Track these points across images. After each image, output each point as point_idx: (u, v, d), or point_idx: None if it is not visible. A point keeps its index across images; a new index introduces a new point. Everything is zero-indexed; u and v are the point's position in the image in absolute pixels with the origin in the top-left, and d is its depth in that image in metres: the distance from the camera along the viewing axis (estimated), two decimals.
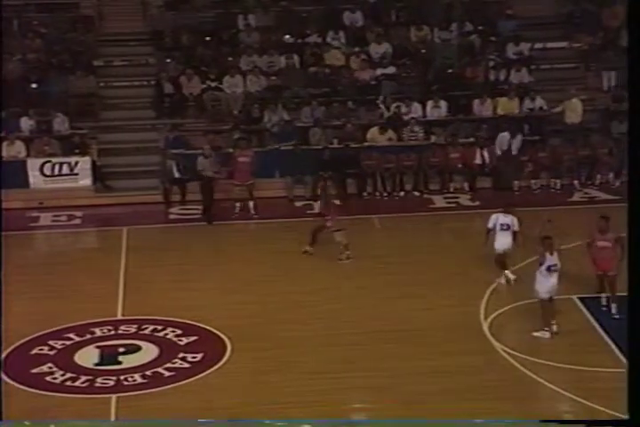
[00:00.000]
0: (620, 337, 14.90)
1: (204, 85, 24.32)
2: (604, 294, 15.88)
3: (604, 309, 15.72)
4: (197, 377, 14.11)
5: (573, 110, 23.08)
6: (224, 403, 13.33)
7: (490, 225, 16.89)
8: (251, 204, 21.35)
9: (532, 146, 22.94)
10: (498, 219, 16.83)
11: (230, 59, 24.97)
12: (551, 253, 15.02)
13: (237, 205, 21.40)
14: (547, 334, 14.90)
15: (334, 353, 14.83)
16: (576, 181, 22.51)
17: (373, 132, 23.08)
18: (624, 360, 14.36)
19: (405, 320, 16.26)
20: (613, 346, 14.82)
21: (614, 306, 15.51)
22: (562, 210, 21.19)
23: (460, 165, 22.73)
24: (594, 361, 14.40)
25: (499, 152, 22.75)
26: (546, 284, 14.89)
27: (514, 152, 22.56)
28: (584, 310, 16.11)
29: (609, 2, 25.27)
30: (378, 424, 12.94)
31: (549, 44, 24.95)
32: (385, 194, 22.70)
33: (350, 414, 13.50)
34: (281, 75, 24.66)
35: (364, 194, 22.72)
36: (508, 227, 16.79)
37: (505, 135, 22.85)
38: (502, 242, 16.84)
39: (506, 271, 17.03)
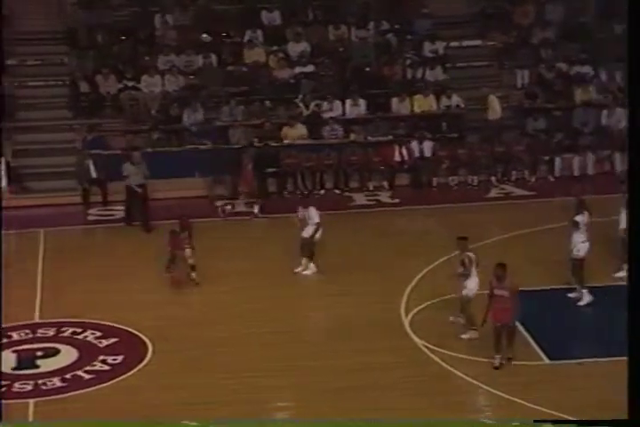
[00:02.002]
0: (537, 331, 15.17)
1: (121, 85, 24.05)
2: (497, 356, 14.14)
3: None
4: (118, 379, 13.94)
5: (492, 107, 23.38)
6: (145, 404, 13.19)
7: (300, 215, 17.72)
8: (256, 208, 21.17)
9: (450, 143, 23.17)
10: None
11: (147, 58, 24.73)
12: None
13: (228, 207, 21.09)
14: (475, 334, 14.88)
15: (255, 353, 14.79)
16: (493, 178, 22.80)
17: (285, 129, 23.09)
18: (541, 353, 14.63)
19: (326, 318, 16.32)
20: (531, 340, 15.03)
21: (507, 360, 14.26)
22: (479, 206, 21.46)
23: (379, 163, 22.85)
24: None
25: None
26: (470, 284, 14.92)
27: (426, 153, 22.73)
28: None
29: (521, 0, 25.63)
30: (376, 425, 12.84)
31: (464, 43, 25.23)
32: (305, 192, 22.71)
33: (272, 413, 13.46)
34: (199, 74, 24.51)
35: (285, 192, 22.70)
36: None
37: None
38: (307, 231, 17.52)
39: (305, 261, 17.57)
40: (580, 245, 15.87)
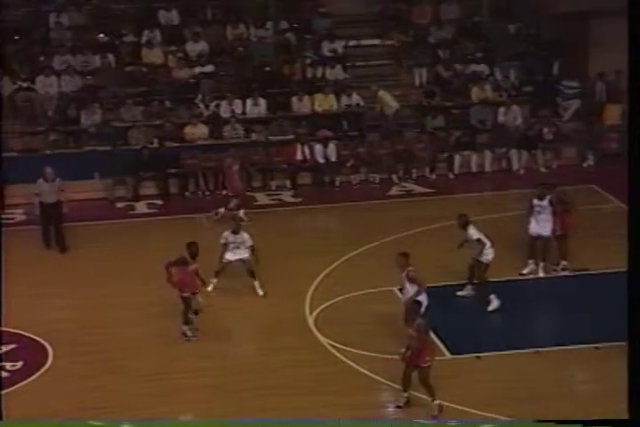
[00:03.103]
0: (440, 326, 15.40)
1: (16, 86, 23.58)
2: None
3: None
4: (18, 386, 13.71)
5: (385, 102, 23.66)
6: (49, 410, 13.01)
7: (223, 241, 16.67)
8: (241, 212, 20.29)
9: (351, 142, 23.36)
10: (228, 238, 16.66)
11: (42, 58, 24.30)
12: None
13: (221, 210, 20.41)
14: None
15: (161, 354, 14.72)
16: (394, 176, 23.05)
17: (185, 129, 22.99)
18: (444, 348, 14.88)
19: (232, 318, 16.32)
20: (433, 336, 15.24)
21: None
22: (381, 204, 21.69)
23: (281, 163, 22.91)
24: None
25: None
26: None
27: (328, 152, 22.86)
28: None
29: (418, 0, 25.98)
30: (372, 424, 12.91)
31: (363, 42, 25.42)
32: (207, 193, 22.64)
33: (183, 413, 13.41)
34: (97, 74, 24.19)
35: (187, 193, 22.60)
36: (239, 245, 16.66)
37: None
38: (235, 254, 16.72)
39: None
40: (489, 249, 15.90)
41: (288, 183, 22.85)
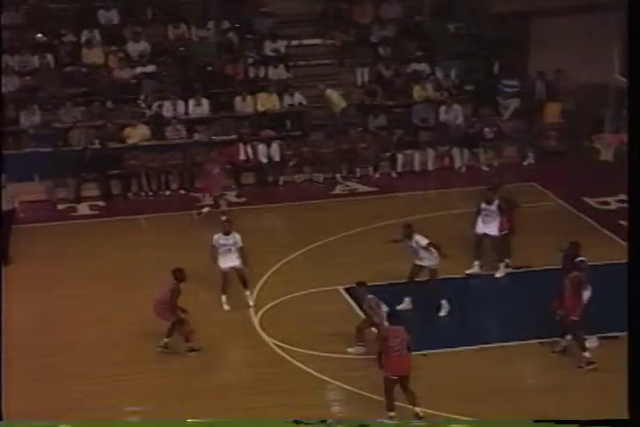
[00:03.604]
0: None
1: None
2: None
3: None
4: None
5: (332, 101, 23.69)
6: None
7: (214, 244, 16.28)
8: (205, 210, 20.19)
9: (295, 141, 23.36)
10: (219, 240, 16.24)
11: None
12: None
13: (203, 210, 20.18)
14: (360, 349, 14.67)
15: (100, 357, 14.63)
16: (338, 175, 23.10)
17: (127, 130, 22.83)
18: None
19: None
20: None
21: None
22: (325, 203, 21.72)
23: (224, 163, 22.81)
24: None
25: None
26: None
27: (272, 152, 22.84)
28: (349, 299, 16.59)
29: (359, 0, 26.05)
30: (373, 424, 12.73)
31: (305, 41, 25.42)
32: (151, 193, 22.49)
33: (130, 416, 13.31)
34: (36, 75, 23.87)
35: (130, 194, 22.42)
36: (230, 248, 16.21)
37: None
38: (226, 261, 16.22)
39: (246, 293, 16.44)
40: (435, 254, 15.75)
41: (232, 183, 22.74)
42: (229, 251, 16.17)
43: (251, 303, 16.38)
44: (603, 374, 14.05)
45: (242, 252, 16.26)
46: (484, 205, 17.10)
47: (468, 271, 17.32)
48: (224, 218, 17.33)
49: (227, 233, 16.27)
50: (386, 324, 13.87)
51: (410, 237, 15.74)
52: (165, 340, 14.81)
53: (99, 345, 15.03)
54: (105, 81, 24.01)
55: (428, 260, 15.79)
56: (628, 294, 8.78)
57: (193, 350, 14.85)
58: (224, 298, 16.33)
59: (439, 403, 13.21)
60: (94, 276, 17.58)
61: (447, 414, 12.95)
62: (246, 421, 12.83)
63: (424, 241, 15.64)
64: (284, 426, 11.82)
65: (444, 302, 16.01)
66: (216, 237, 16.29)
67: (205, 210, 20.29)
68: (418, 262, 15.89)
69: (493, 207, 17.01)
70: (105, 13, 25.09)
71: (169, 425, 12.72)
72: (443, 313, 16.02)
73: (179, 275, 14.78)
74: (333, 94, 23.75)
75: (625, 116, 20.04)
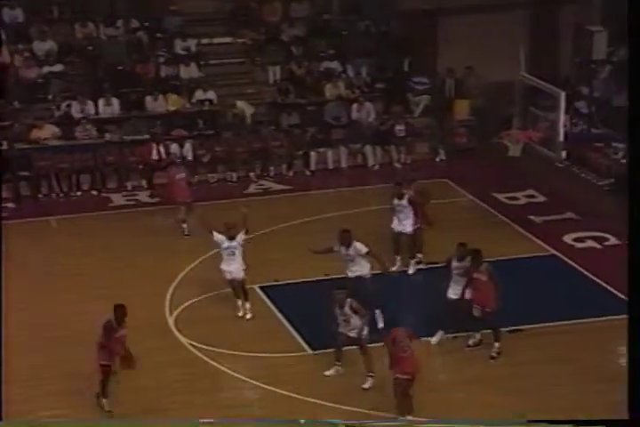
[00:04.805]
0: (299, 323, 15.55)
1: None
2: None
3: None
4: None
5: (244, 111, 23.65)
6: None
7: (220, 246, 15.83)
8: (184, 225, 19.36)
9: (207, 140, 23.26)
10: (224, 242, 15.74)
11: None
12: None
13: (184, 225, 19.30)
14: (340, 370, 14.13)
15: (25, 360, 14.38)
16: (251, 173, 23.07)
17: (35, 131, 22.46)
18: (305, 345, 15.01)
19: (93, 320, 15.98)
20: (294, 332, 15.41)
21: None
22: (238, 202, 21.60)
23: (136, 163, 22.62)
24: (276, 347, 14.92)
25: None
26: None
27: (185, 152, 22.71)
28: (265, 298, 16.60)
29: None
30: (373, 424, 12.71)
31: (215, 40, 25.31)
32: (61, 194, 22.18)
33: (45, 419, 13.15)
34: None
35: (40, 195, 22.07)
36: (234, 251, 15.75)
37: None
38: (230, 269, 15.78)
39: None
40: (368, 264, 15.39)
41: (144, 183, 22.56)
42: (233, 254, 15.68)
43: (248, 316, 15.78)
44: (516, 368, 14.35)
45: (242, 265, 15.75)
46: (395, 201, 17.24)
47: (392, 269, 16.66)
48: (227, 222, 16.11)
49: (232, 238, 15.65)
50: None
51: (349, 244, 15.17)
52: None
53: (11, 349, 14.74)
54: (11, 80, 23.54)
55: (362, 268, 15.23)
56: (628, 294, 8.62)
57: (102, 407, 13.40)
58: (242, 304, 15.84)
59: (360, 399, 13.33)
60: (6, 277, 17.25)
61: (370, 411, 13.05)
62: (248, 421, 12.72)
63: (364, 249, 15.17)
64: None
65: (378, 312, 15.26)
66: (221, 238, 15.72)
67: (185, 225, 19.40)
68: (350, 274, 15.24)
69: (405, 202, 17.16)
70: (9, 11, 24.60)
71: (168, 426, 12.58)
72: (380, 325, 15.12)
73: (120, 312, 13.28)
74: (244, 105, 23.66)
75: (532, 113, 20.50)
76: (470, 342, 14.91)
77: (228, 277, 15.82)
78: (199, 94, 23.69)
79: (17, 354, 14.53)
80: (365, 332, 13.80)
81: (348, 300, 13.65)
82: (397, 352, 12.71)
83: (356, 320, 13.68)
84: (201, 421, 12.15)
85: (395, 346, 12.73)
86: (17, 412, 12.90)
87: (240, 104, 23.68)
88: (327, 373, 14.04)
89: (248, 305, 15.90)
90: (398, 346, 12.71)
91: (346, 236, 15.19)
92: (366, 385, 13.64)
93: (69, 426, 12.42)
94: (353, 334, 13.70)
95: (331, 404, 13.32)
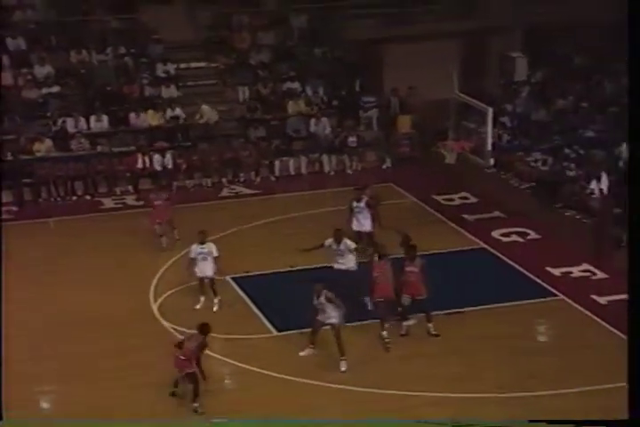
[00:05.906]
0: (266, 307, 15.53)
1: None
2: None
3: None
4: None
5: (206, 114, 23.56)
6: None
7: (192, 255, 15.59)
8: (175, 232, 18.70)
9: (186, 151, 23.19)
10: (196, 249, 15.54)
11: None
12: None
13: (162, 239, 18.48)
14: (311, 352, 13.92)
15: (18, 343, 14.19)
16: (224, 180, 23.01)
17: (36, 144, 22.26)
18: (270, 327, 14.99)
19: (87, 310, 15.87)
20: (261, 315, 15.38)
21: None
22: (213, 204, 21.63)
23: (124, 171, 22.49)
24: (247, 330, 14.88)
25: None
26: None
27: (166, 161, 22.58)
28: (236, 287, 16.57)
29: (238, 28, 25.98)
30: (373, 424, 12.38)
31: (192, 64, 25.26)
32: (59, 199, 22.00)
33: (36, 400, 12.97)
34: None
35: (40, 200, 21.88)
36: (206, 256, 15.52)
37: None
38: (202, 269, 15.55)
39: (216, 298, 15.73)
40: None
41: (131, 188, 22.47)
42: (205, 259, 15.47)
43: (215, 308, 15.52)
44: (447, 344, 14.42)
45: (217, 261, 15.53)
46: (354, 204, 17.23)
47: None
48: (200, 230, 15.94)
49: (202, 242, 15.53)
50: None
51: (340, 240, 15.09)
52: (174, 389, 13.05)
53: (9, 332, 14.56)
54: (15, 100, 23.36)
55: (349, 262, 15.12)
56: (629, 295, 8.42)
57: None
58: (202, 299, 15.62)
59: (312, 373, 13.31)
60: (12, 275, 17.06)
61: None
62: (256, 420, 12.39)
63: (353, 245, 15.21)
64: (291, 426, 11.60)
65: (366, 298, 14.99)
66: (193, 247, 15.58)
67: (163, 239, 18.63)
68: (338, 266, 15.10)
69: (362, 204, 17.20)
70: (12, 41, 24.41)
71: (168, 426, 12.32)
72: (370, 307, 14.87)
73: (205, 329, 12.90)
74: (206, 108, 23.62)
75: (465, 127, 20.63)
76: (403, 330, 14.67)
77: (200, 274, 15.63)
78: (169, 112, 23.64)
79: (17, 350, 14.34)
80: (339, 320, 13.57)
81: (324, 291, 13.51)
82: (374, 281, 13.81)
83: (330, 309, 13.53)
84: (212, 421, 11.90)
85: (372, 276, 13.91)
86: (17, 412, 12.61)
87: (204, 108, 23.57)
88: (301, 353, 13.93)
89: (216, 300, 15.65)
90: (375, 276, 14.02)
91: (338, 233, 15.18)
92: (343, 368, 13.50)
93: (69, 426, 12.01)
94: (328, 320, 13.59)
95: (298, 379, 13.28)
